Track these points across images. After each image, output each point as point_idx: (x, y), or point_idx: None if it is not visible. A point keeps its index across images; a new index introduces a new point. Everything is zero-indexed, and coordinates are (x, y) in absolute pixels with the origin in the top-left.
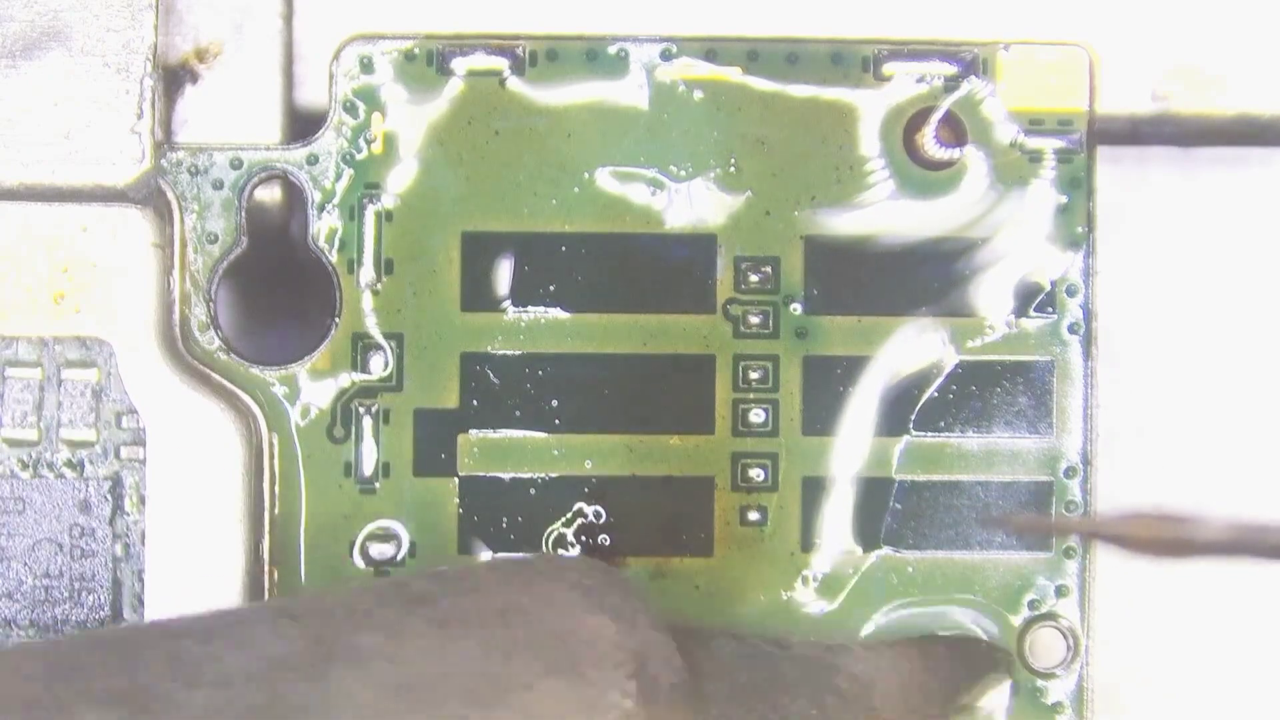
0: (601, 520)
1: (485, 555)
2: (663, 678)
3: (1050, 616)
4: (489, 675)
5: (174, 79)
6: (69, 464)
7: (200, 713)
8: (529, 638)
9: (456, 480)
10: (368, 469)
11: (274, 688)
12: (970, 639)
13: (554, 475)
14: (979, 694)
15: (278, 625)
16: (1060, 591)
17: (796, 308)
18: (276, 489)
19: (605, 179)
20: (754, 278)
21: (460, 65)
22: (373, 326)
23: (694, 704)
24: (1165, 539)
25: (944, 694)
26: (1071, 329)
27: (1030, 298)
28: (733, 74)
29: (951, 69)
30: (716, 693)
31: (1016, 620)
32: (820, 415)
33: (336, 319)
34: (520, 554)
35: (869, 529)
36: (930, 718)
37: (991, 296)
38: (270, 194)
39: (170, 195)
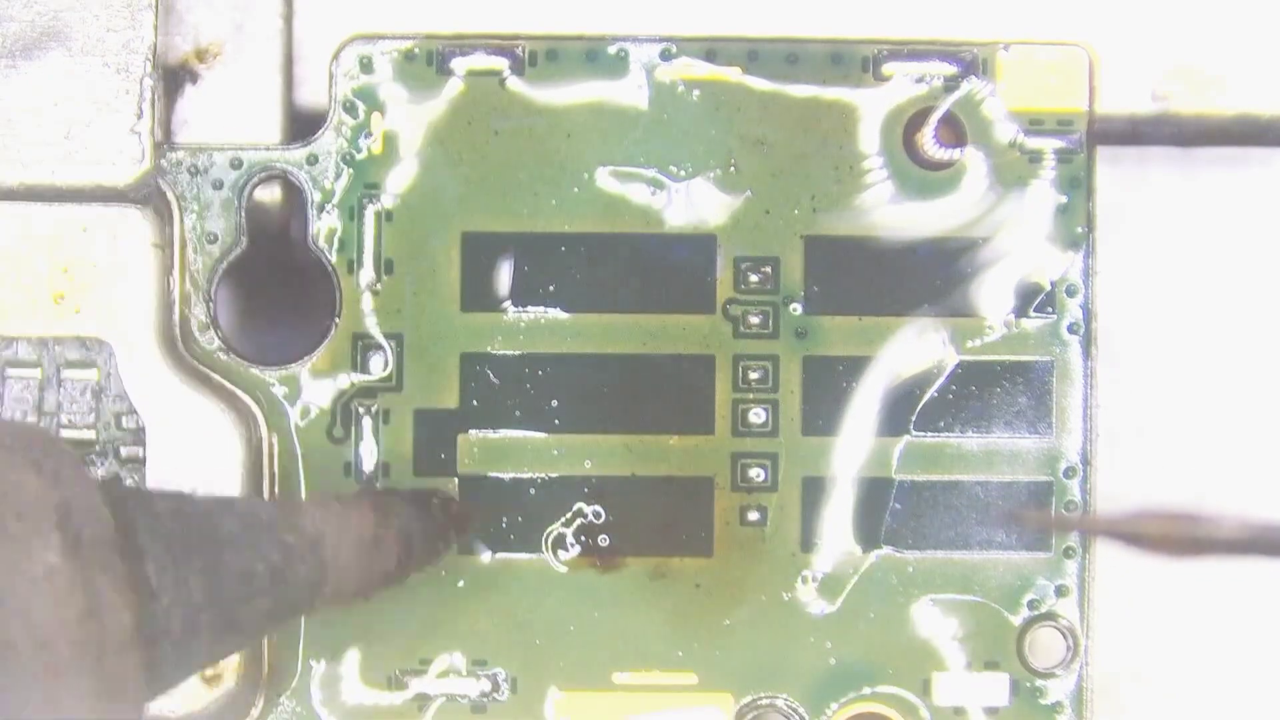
0: (601, 520)
1: (486, 556)
2: (91, 531)
3: (1050, 616)
4: None
5: (174, 79)
6: None
7: None
8: None
9: (456, 480)
10: (368, 469)
11: None
12: (428, 492)
13: (554, 475)
14: (441, 550)
15: None
16: (1060, 591)
17: (796, 308)
18: (276, 489)
19: (605, 179)
20: (754, 278)
21: (460, 65)
22: (373, 326)
23: (128, 559)
24: (1178, 537)
25: (401, 549)
26: (1071, 329)
27: (1030, 298)
28: (733, 74)
29: (951, 69)
30: (151, 548)
31: (1016, 620)
32: (820, 415)
33: (336, 319)
34: None
35: (869, 529)
36: (386, 573)
37: (991, 296)
38: (270, 194)
39: (170, 195)
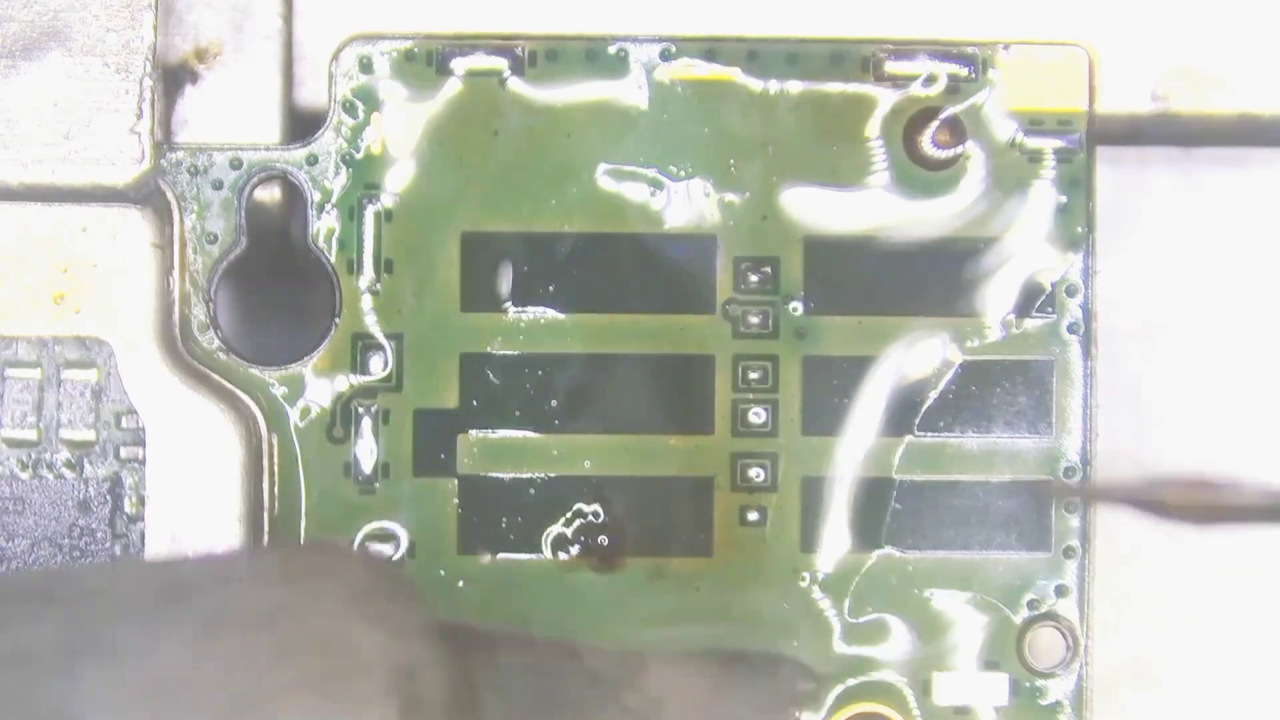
0: (601, 520)
1: (485, 558)
2: (430, 695)
3: (1050, 616)
4: (241, 685)
5: (174, 79)
6: (69, 464)
7: None
8: (290, 643)
9: (456, 480)
10: (367, 469)
11: (22, 678)
12: (777, 658)
13: (553, 475)
14: (783, 717)
15: (32, 607)
16: (1060, 591)
17: (796, 308)
18: (276, 489)
19: (605, 179)
20: (754, 278)
21: (460, 65)
22: (373, 326)
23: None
24: (1199, 504)
25: (742, 714)
26: (1071, 329)
27: (1030, 298)
28: (733, 74)
29: (952, 69)
30: (493, 709)
31: (1016, 620)
32: (820, 415)
33: (336, 319)
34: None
35: (869, 529)
36: None
37: (991, 296)
38: (270, 194)
39: (170, 195)
